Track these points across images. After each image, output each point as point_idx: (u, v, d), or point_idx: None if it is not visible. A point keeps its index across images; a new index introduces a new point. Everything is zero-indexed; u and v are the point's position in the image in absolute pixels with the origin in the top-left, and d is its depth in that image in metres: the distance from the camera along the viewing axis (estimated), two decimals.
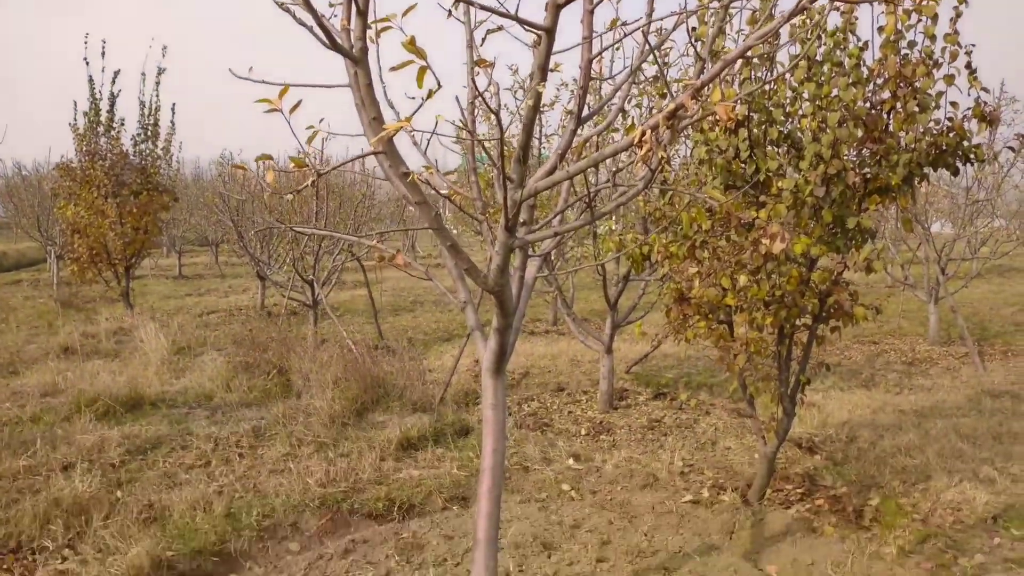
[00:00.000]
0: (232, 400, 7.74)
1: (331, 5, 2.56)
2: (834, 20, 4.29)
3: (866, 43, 4.23)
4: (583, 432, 6.78)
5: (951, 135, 4.22)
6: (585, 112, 2.83)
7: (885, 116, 4.23)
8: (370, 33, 2.42)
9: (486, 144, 4.34)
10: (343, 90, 2.60)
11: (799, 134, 4.44)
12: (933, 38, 4.11)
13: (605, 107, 3.56)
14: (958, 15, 4.12)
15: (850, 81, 4.14)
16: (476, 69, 2.80)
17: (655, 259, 4.92)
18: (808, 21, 4.20)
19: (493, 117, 2.63)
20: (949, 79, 4.17)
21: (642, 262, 5.27)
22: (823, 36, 4.25)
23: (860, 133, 4.21)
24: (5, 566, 4.13)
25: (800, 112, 4.42)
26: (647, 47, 2.85)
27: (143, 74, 12.72)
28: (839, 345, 10.72)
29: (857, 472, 5.60)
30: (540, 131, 7.05)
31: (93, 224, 12.03)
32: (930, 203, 12.22)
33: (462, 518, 4.88)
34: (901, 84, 4.14)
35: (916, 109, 4.15)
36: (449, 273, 3.56)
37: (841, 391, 8.14)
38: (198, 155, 61.34)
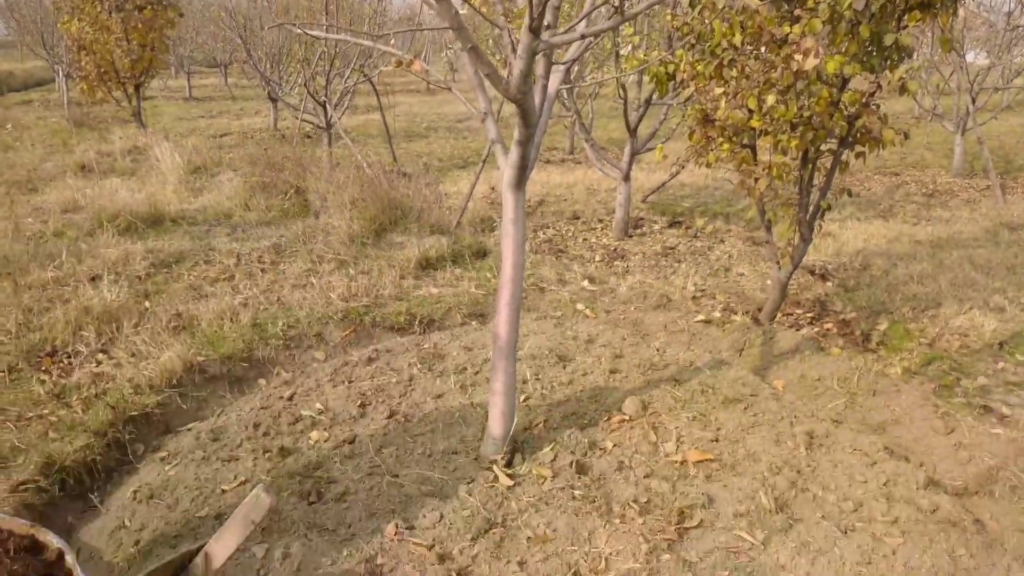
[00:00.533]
0: (251, 219, 7.82)
1: None
2: None
3: None
4: (597, 258, 6.86)
5: None
6: None
7: None
8: None
9: None
10: None
11: None
12: None
13: None
14: None
15: None
16: None
17: (680, 78, 4.76)
18: None
19: None
20: None
21: (666, 83, 5.10)
22: None
23: None
24: (43, 368, 4.34)
25: None
26: None
27: None
28: (860, 175, 10.59)
29: (867, 299, 5.69)
30: None
31: (99, 40, 11.68)
32: (968, 29, 11.60)
33: (481, 332, 5.04)
34: None
35: None
36: (469, 81, 3.47)
37: (858, 221, 8.12)
38: None
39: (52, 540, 1.96)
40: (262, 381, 4.56)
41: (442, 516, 3.06)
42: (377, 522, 3.03)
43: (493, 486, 3.27)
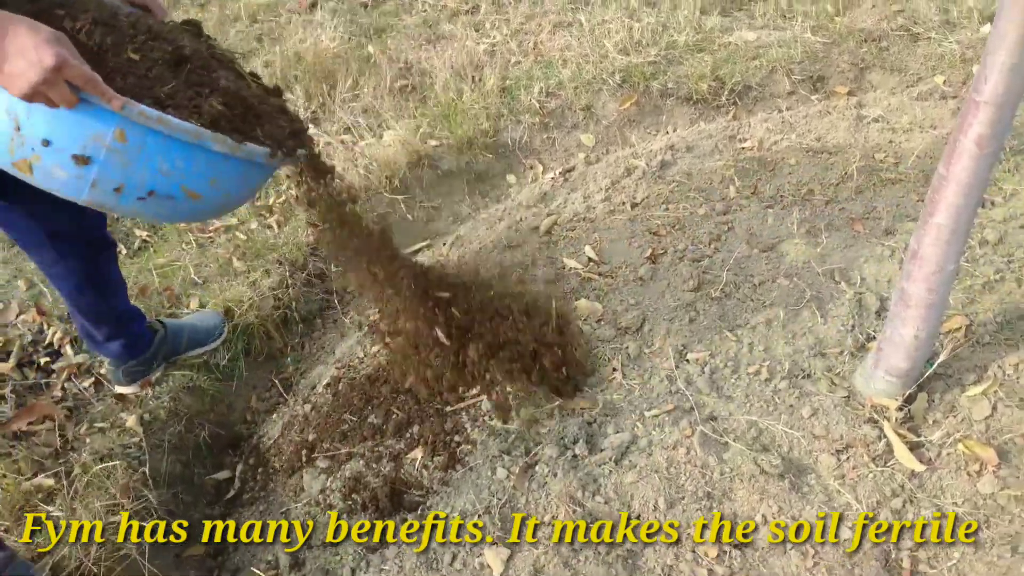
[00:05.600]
0: None
1: None
2: None
3: None
4: None
5: None
6: None
7: None
8: None
9: None
10: None
11: None
12: None
13: None
14: None
15: None
16: None
17: None
18: None
19: None
20: None
21: None
22: None
23: None
24: None
25: None
26: None
27: None
28: None
29: None
30: None
31: None
32: None
33: (829, 118, 3.31)
34: None
35: None
36: None
37: None
38: None
39: None
40: (511, 178, 3.32)
41: (798, 527, 1.78)
42: (684, 516, 1.82)
43: (885, 468, 1.89)
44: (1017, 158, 2.90)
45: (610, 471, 1.92)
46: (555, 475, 1.91)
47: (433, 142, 3.29)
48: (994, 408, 1.99)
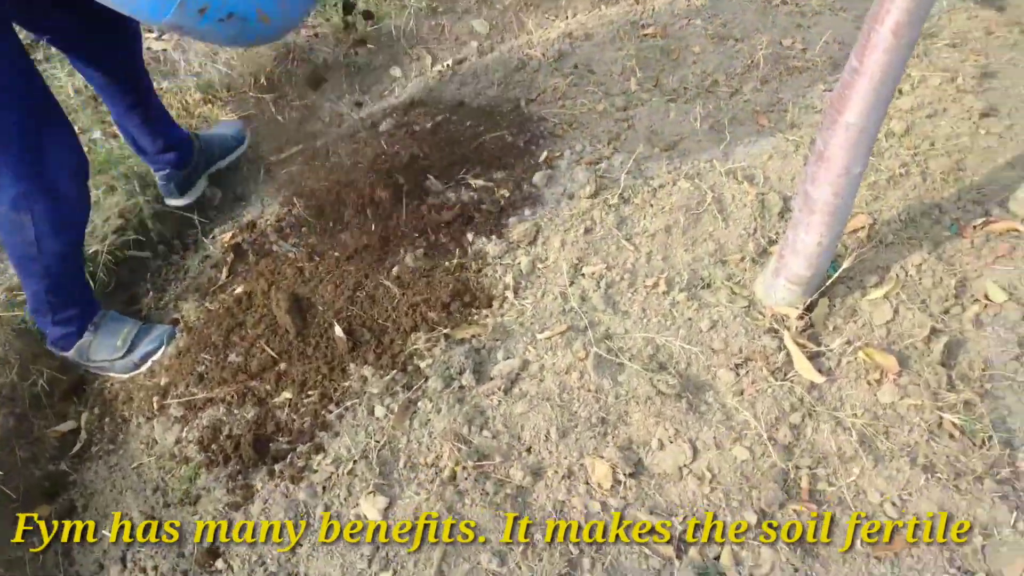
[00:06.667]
0: None
1: None
2: None
3: None
4: None
5: None
6: None
7: None
8: None
9: None
10: None
11: None
12: None
13: None
14: None
15: None
16: None
17: None
18: None
19: None
20: None
21: None
22: None
23: None
24: None
25: None
26: None
27: None
28: None
29: None
30: None
31: None
32: None
33: None
34: None
35: None
36: None
37: None
38: None
39: None
40: (396, 71, 3.02)
41: (695, 450, 1.68)
42: (577, 445, 1.70)
43: (784, 381, 1.80)
44: (925, 42, 2.77)
45: (499, 402, 1.78)
46: (439, 411, 1.75)
47: (305, 31, 2.94)
48: (896, 311, 1.91)
